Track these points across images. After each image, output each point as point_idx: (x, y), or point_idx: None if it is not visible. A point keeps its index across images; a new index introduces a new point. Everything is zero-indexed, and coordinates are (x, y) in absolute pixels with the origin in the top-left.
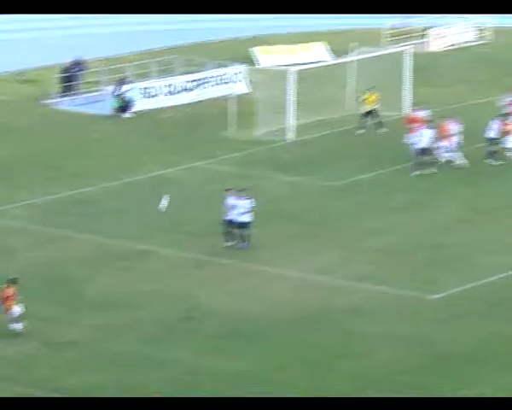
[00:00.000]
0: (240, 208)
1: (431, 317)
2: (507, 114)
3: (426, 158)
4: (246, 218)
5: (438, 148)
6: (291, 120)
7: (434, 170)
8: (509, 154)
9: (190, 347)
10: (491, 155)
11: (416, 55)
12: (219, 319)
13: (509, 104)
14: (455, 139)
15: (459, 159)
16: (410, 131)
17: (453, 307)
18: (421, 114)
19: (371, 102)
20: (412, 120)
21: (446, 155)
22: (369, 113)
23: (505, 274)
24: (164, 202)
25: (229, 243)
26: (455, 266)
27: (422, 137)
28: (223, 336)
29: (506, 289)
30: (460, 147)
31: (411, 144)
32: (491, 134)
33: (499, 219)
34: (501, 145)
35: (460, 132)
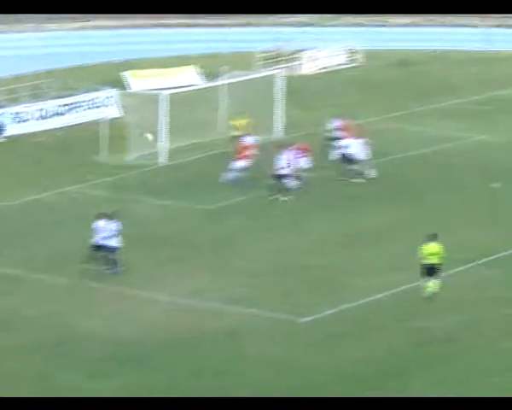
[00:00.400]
0: (107, 232)
1: (302, 340)
2: (336, 139)
3: (285, 182)
4: (113, 242)
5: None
6: (163, 144)
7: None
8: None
9: (64, 371)
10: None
11: (288, 78)
12: (92, 343)
13: (338, 129)
14: (303, 162)
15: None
16: (239, 157)
17: (324, 330)
18: (250, 140)
19: (240, 127)
20: (243, 148)
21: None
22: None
23: (378, 295)
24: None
25: (102, 267)
26: (327, 288)
27: (281, 162)
28: (95, 360)
29: (377, 312)
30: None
31: (239, 170)
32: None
33: (371, 241)
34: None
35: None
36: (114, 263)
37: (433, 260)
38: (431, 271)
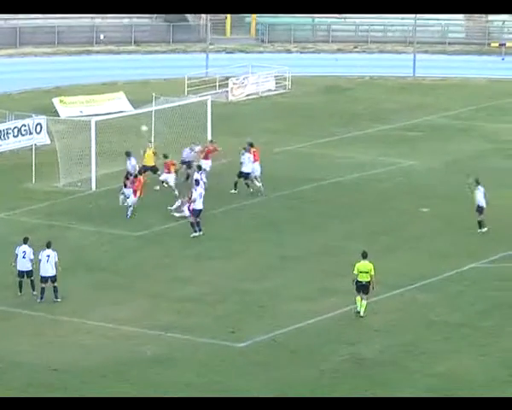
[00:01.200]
0: (29, 258)
1: (236, 365)
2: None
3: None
4: (48, 270)
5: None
6: (93, 171)
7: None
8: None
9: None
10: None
11: (216, 104)
12: (25, 371)
13: (200, 152)
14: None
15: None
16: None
17: (258, 355)
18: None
19: (148, 157)
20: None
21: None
22: (152, 169)
23: (311, 320)
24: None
25: (33, 293)
26: (261, 313)
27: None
28: (29, 387)
29: (309, 336)
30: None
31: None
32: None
33: (302, 265)
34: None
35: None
36: (43, 292)
37: (364, 278)
38: (363, 288)
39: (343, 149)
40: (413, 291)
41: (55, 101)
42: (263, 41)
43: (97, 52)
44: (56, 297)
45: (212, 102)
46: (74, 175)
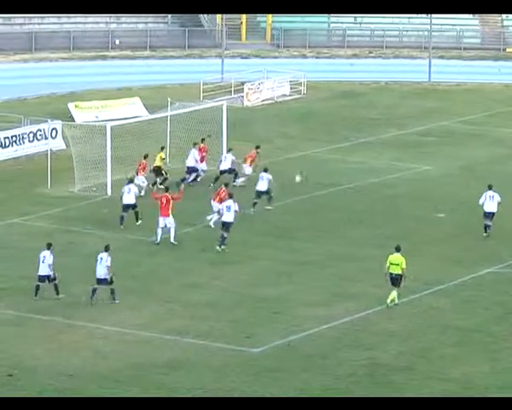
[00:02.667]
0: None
1: (251, 371)
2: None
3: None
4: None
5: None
6: (109, 176)
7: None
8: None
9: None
10: None
11: (232, 109)
12: (40, 376)
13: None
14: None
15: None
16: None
17: (272, 361)
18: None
19: (158, 160)
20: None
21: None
22: (156, 171)
23: (325, 326)
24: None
25: (54, 297)
26: (276, 318)
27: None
28: (44, 392)
29: (325, 342)
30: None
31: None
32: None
33: (317, 271)
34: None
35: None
36: (94, 292)
37: (395, 270)
38: (394, 280)
39: (358, 155)
40: (428, 296)
41: (71, 106)
42: (278, 46)
43: (113, 57)
44: (114, 299)
45: (227, 107)
46: (90, 180)
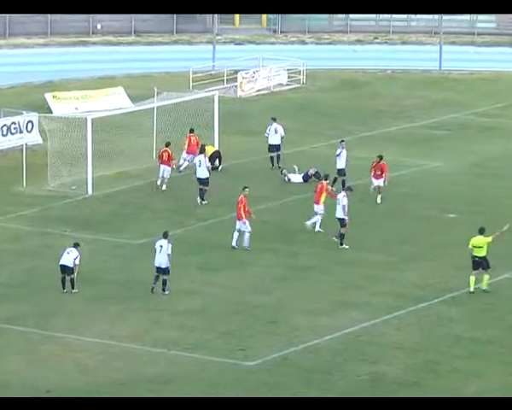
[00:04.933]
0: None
1: (245, 386)
2: None
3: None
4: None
5: None
6: (90, 173)
7: None
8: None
9: None
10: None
11: (224, 100)
12: (14, 392)
13: None
14: None
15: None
16: None
17: (268, 376)
18: None
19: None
20: None
21: None
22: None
23: (327, 337)
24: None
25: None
26: (273, 329)
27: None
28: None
29: (326, 355)
30: None
31: None
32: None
33: (317, 276)
34: None
35: None
36: (156, 280)
37: (479, 253)
38: (480, 263)
39: (361, 150)
40: (438, 305)
41: (48, 96)
42: (275, 31)
43: (94, 43)
44: (164, 290)
45: (219, 97)
46: (69, 178)
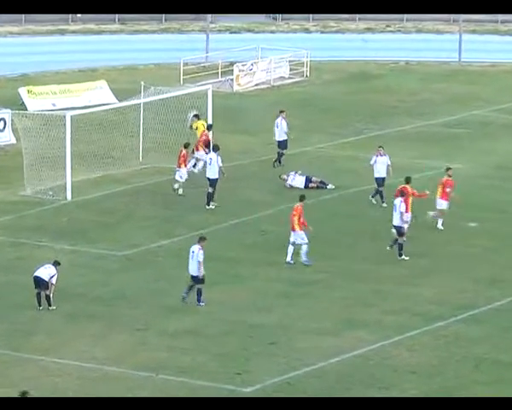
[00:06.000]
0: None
1: None
2: None
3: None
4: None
5: None
6: (69, 177)
7: None
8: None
9: None
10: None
11: (219, 95)
12: None
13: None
14: None
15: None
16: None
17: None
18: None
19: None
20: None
21: None
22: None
23: (333, 360)
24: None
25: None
26: (273, 350)
27: None
28: None
29: (332, 380)
30: None
31: None
32: None
33: (325, 292)
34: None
35: None
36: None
37: None
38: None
39: (372, 151)
40: (457, 324)
41: (22, 91)
42: (275, 18)
43: (73, 32)
44: (199, 301)
45: (213, 92)
46: (45, 182)
